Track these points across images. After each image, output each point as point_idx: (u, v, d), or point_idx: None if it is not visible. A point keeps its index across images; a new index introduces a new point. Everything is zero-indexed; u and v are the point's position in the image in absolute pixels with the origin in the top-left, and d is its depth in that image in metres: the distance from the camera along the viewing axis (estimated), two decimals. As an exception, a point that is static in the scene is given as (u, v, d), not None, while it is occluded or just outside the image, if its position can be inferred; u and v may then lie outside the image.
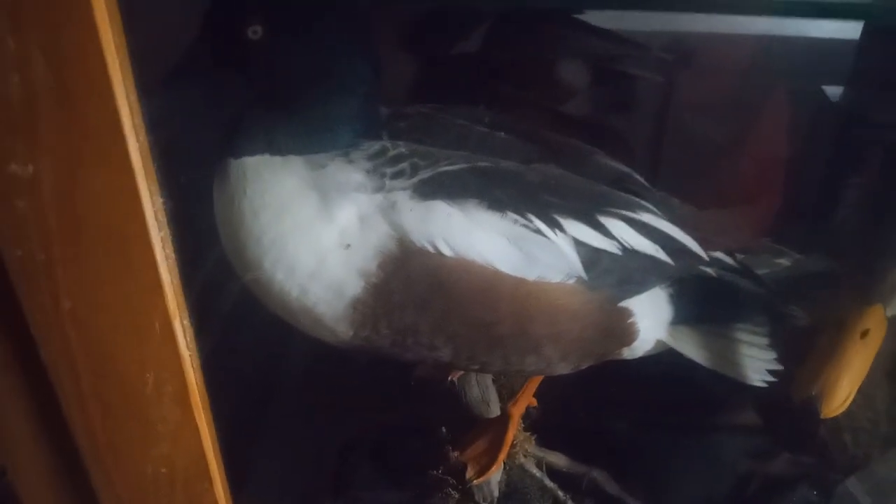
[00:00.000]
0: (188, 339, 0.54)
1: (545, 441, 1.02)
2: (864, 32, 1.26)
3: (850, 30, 1.27)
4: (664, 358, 0.84)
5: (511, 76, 1.20)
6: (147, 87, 0.52)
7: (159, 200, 0.48)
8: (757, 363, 0.82)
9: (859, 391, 0.74)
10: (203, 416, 0.57)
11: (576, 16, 1.17)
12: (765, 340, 0.83)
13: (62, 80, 0.42)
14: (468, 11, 1.20)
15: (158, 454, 0.58)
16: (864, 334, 0.73)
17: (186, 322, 0.53)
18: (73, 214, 0.47)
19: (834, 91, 1.31)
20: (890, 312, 0.74)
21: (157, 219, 0.48)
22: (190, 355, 0.54)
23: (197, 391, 0.56)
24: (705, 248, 0.78)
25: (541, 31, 1.20)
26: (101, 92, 0.43)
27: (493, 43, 1.19)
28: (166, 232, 0.49)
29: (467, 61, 1.20)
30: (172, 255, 0.51)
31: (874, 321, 0.73)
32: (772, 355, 0.82)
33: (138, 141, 0.45)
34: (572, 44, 1.20)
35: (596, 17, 1.17)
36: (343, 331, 0.70)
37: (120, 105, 0.43)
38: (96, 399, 0.55)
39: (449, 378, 1.00)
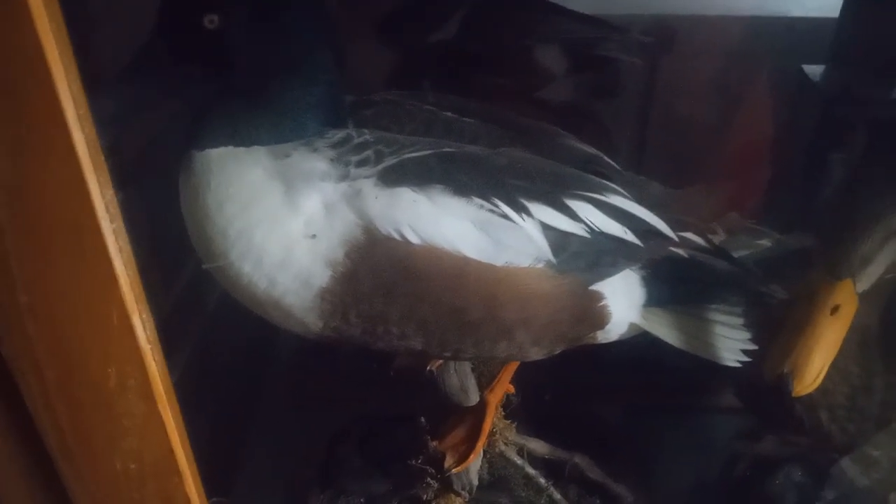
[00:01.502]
0: (148, 332, 0.53)
1: (526, 428, 1.02)
2: (844, 10, 1.26)
3: (829, 7, 1.27)
4: (642, 340, 0.84)
5: (488, 63, 1.20)
6: (102, 82, 0.52)
7: (110, 192, 0.48)
8: (731, 343, 0.82)
9: (833, 367, 0.74)
10: (168, 409, 0.57)
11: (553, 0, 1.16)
12: (739, 320, 0.83)
13: (2, 72, 0.42)
14: (443, -1, 1.20)
15: (126, 449, 0.58)
16: (835, 310, 0.73)
17: (146, 315, 0.53)
18: (23, 207, 0.46)
19: (814, 70, 1.31)
20: (860, 288, 0.74)
21: (108, 211, 0.48)
22: (151, 348, 0.54)
23: (161, 384, 0.56)
24: (675, 229, 0.78)
25: (517, 16, 1.20)
26: (41, 83, 0.42)
27: (469, 29, 1.18)
28: (119, 224, 0.49)
29: (443, 48, 1.20)
30: (127, 247, 0.50)
31: (844, 297, 0.73)
32: (746, 335, 0.82)
33: (84, 133, 0.45)
34: (549, 28, 1.20)
35: (576, 2, 1.17)
36: (313, 321, 0.70)
37: (62, 97, 0.43)
38: (61, 395, 0.55)
39: (428, 368, 1.00)
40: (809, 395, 0.75)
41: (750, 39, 1.29)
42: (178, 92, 0.71)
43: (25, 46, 0.41)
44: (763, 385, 0.76)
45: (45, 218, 0.47)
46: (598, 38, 1.21)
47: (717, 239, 0.88)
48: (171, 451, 0.58)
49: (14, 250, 0.48)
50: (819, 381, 0.72)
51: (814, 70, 1.31)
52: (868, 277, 0.75)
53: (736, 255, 0.88)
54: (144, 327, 0.53)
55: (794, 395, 0.72)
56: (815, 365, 0.72)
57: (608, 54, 1.22)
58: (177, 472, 0.60)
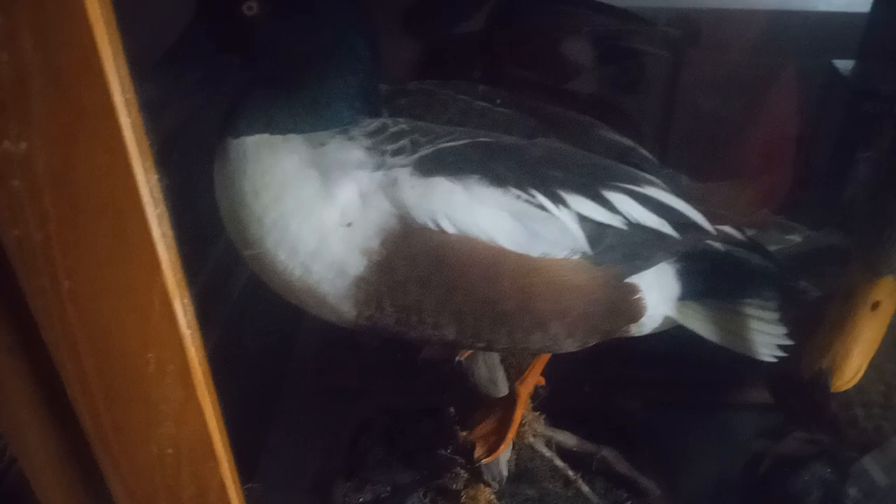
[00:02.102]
0: (189, 317, 0.53)
1: (555, 420, 1.01)
2: (874, 4, 1.24)
3: (859, 2, 1.25)
4: (673, 334, 0.84)
5: (515, 54, 1.19)
6: (142, 66, 0.51)
7: (154, 177, 0.48)
8: (766, 338, 0.81)
9: (870, 364, 0.73)
10: (206, 395, 0.57)
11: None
12: (774, 315, 0.82)
13: (51, 58, 0.42)
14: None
15: (163, 434, 0.58)
16: (875, 306, 0.72)
17: (187, 300, 0.53)
18: (68, 193, 0.46)
19: (844, 65, 1.29)
20: (901, 284, 0.73)
21: (152, 196, 0.48)
22: (191, 334, 0.54)
23: (200, 370, 0.56)
24: (713, 222, 0.77)
25: (545, 8, 1.19)
26: (90, 69, 0.42)
27: (497, 21, 1.18)
28: (163, 209, 0.49)
29: (472, 40, 1.19)
30: (170, 233, 0.50)
31: (885, 293, 0.72)
32: (781, 330, 0.81)
33: (130, 118, 0.45)
34: (577, 21, 1.19)
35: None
36: (347, 310, 0.70)
37: (111, 81, 0.43)
38: (99, 380, 0.55)
39: (456, 358, 1.00)
40: (845, 393, 0.74)
41: (777, 33, 1.28)
42: (216, 79, 0.71)
43: (76, 33, 0.41)
44: (797, 381, 0.76)
45: (89, 204, 0.47)
46: (625, 31, 1.20)
47: (749, 233, 0.87)
48: (209, 437, 0.59)
49: (57, 237, 0.48)
50: (858, 377, 0.71)
51: (844, 65, 1.29)
52: (909, 274, 0.73)
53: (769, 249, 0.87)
54: (185, 313, 0.53)
55: (832, 391, 0.71)
56: (854, 362, 0.71)
57: (635, 46, 1.21)
58: (213, 457, 0.60)
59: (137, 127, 0.46)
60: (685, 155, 1.34)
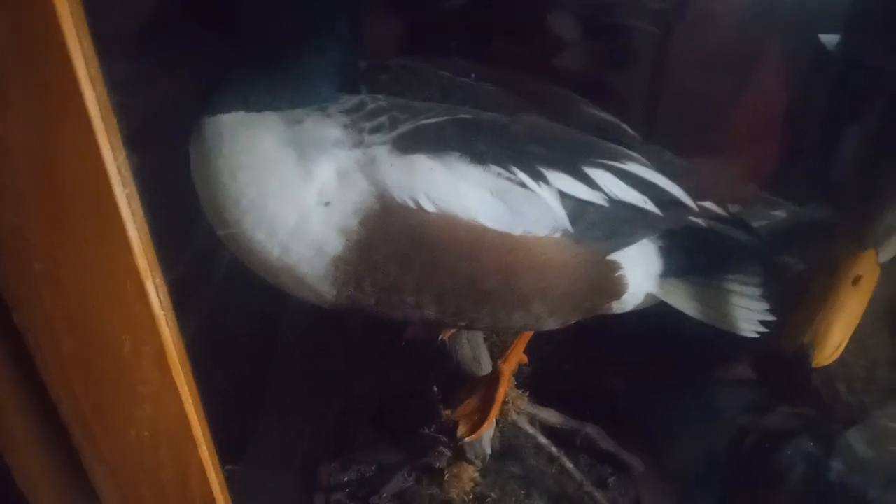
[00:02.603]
0: (162, 298, 0.53)
1: (538, 398, 1.01)
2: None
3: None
4: (656, 311, 0.84)
5: (500, 30, 1.18)
6: (117, 47, 0.50)
7: (122, 155, 0.47)
8: (749, 314, 0.81)
9: (852, 339, 0.73)
10: (182, 376, 0.57)
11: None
12: (757, 291, 0.82)
13: (19, 38, 0.41)
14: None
15: (141, 416, 0.58)
16: (857, 280, 0.72)
17: (160, 281, 0.52)
18: (42, 174, 0.46)
19: (830, 39, 1.28)
20: (882, 258, 0.73)
21: (120, 174, 0.47)
22: (165, 315, 0.53)
23: (175, 352, 0.55)
24: (695, 199, 0.77)
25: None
26: (55, 48, 0.41)
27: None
28: (132, 188, 0.48)
29: (457, 16, 1.18)
30: (140, 213, 0.49)
31: (866, 267, 0.72)
32: (764, 306, 0.81)
33: (95, 93, 0.44)
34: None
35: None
36: (326, 290, 0.69)
37: (75, 60, 0.42)
38: (76, 363, 0.54)
39: (439, 338, 1.00)
40: (827, 367, 0.75)
41: (764, 8, 1.27)
42: (191, 56, 0.70)
43: (40, 14, 0.40)
44: (779, 356, 0.76)
45: (62, 184, 0.46)
46: (612, 5, 1.19)
47: (733, 209, 0.87)
48: (186, 418, 0.58)
49: (34, 219, 0.47)
50: (839, 352, 0.72)
51: (830, 39, 1.29)
52: (891, 248, 0.73)
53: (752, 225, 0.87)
54: (158, 293, 0.52)
55: (814, 366, 0.71)
56: (835, 336, 0.71)
57: (621, 21, 1.20)
58: (191, 438, 0.60)
59: (103, 104, 0.45)
60: (671, 130, 1.34)
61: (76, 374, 0.55)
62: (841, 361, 0.75)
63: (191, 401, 0.58)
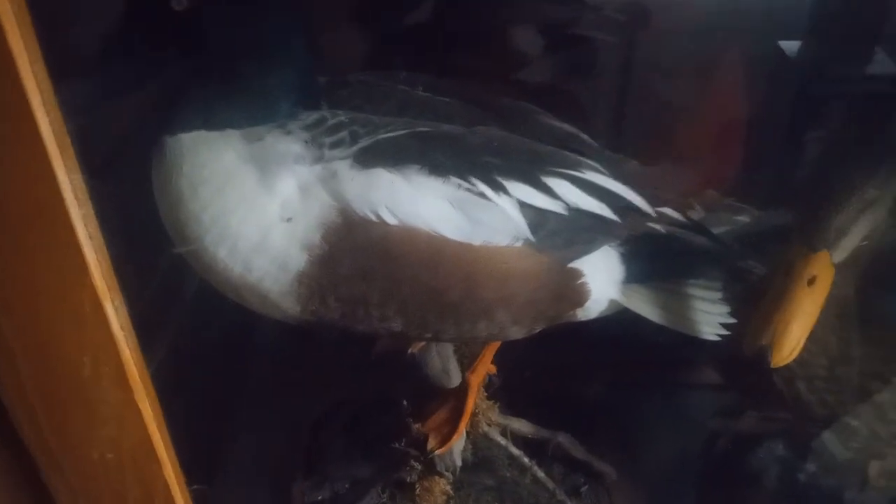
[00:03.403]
0: (121, 319, 0.53)
1: (509, 408, 1.02)
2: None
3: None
4: (623, 317, 0.84)
5: (464, 44, 1.19)
6: (72, 68, 0.50)
7: (77, 177, 0.47)
8: (710, 317, 0.82)
9: (810, 338, 0.74)
10: (145, 396, 0.56)
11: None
12: (718, 295, 0.84)
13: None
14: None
15: (104, 437, 0.57)
16: (812, 281, 0.73)
17: (119, 302, 0.52)
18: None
19: (790, 46, 1.31)
20: (836, 258, 0.75)
21: (76, 196, 0.47)
22: (125, 335, 0.53)
23: (136, 372, 0.55)
24: (654, 205, 0.78)
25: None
26: (5, 71, 0.41)
27: (445, 11, 1.17)
28: (88, 209, 0.48)
29: (419, 30, 1.19)
30: (98, 234, 0.49)
31: (821, 268, 0.73)
32: (724, 309, 0.83)
33: (49, 118, 0.44)
34: (524, 9, 1.19)
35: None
36: (290, 306, 0.70)
37: (26, 83, 0.42)
38: (36, 385, 0.54)
39: (409, 350, 1.00)
40: (788, 367, 0.76)
41: (724, 16, 1.29)
42: (149, 76, 0.70)
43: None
44: (742, 359, 0.77)
45: (14, 206, 0.46)
46: (572, 17, 1.20)
47: (696, 216, 0.88)
48: (149, 439, 0.58)
49: (-14, 242, 0.47)
50: (797, 351, 0.73)
51: (790, 46, 1.31)
52: (844, 248, 0.75)
53: (715, 231, 0.88)
54: (117, 314, 0.52)
55: (772, 366, 0.72)
56: (792, 336, 0.72)
57: (583, 33, 1.22)
58: (155, 459, 0.59)
59: (57, 127, 0.45)
60: (635, 138, 1.35)
61: (36, 397, 0.54)
62: (801, 361, 0.76)
63: (154, 421, 0.57)
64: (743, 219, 0.94)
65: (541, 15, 1.19)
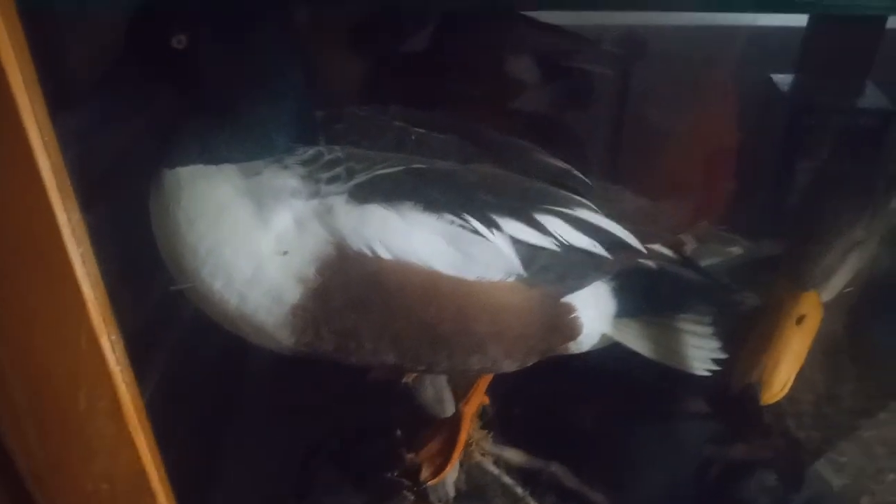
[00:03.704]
0: (118, 354, 0.53)
1: (502, 438, 1.02)
2: (811, 20, 1.28)
3: (796, 18, 1.29)
4: (616, 350, 0.85)
5: (459, 74, 1.20)
6: (69, 103, 0.51)
7: (76, 216, 0.48)
8: (701, 352, 0.83)
9: (799, 375, 0.75)
10: (140, 430, 0.57)
11: (523, 13, 1.17)
12: (709, 329, 0.84)
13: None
14: (415, 10, 1.20)
15: (98, 470, 0.58)
16: (801, 320, 0.74)
17: (115, 337, 0.53)
18: (-10, 237, 0.46)
19: (783, 79, 1.33)
20: (825, 298, 0.76)
21: (75, 235, 0.48)
22: (121, 370, 0.54)
23: (132, 406, 0.56)
24: (643, 241, 0.79)
25: (488, 28, 1.20)
26: (4, 110, 0.42)
27: (440, 41, 1.19)
28: (87, 247, 0.49)
29: (415, 60, 1.20)
30: (95, 271, 0.50)
31: (809, 307, 0.74)
32: (716, 344, 0.84)
33: (50, 160, 0.45)
34: (520, 41, 1.20)
35: (546, 14, 1.18)
36: (285, 338, 0.70)
37: (26, 122, 0.43)
38: (31, 418, 0.55)
39: (403, 381, 1.00)
40: (777, 403, 0.77)
41: (718, 49, 1.31)
42: (146, 111, 0.71)
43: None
44: (731, 393, 0.78)
45: (10, 243, 0.47)
46: (568, 50, 1.22)
47: (689, 247, 0.89)
48: (144, 472, 0.58)
49: (-17, 275, 0.48)
50: (786, 390, 0.74)
51: (783, 79, 1.33)
52: (832, 288, 0.76)
53: (707, 262, 0.89)
54: (114, 349, 0.53)
55: (762, 403, 0.73)
56: (782, 375, 0.73)
57: (579, 66, 1.23)
58: (149, 492, 0.60)
59: (57, 168, 0.46)
60: (630, 170, 1.37)
61: (30, 429, 0.55)
62: (789, 397, 0.77)
63: (148, 454, 0.58)
64: (735, 249, 0.95)
65: (537, 46, 1.20)
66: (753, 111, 1.35)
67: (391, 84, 1.19)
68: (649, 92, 1.32)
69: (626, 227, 0.77)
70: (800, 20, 1.30)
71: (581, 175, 0.82)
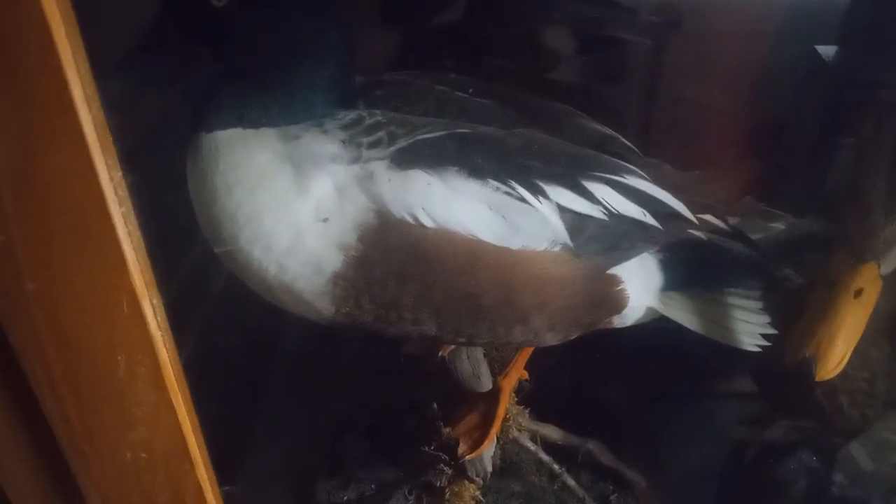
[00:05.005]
0: (159, 318, 0.52)
1: (539, 414, 1.01)
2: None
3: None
4: (657, 325, 0.83)
5: (494, 44, 1.18)
6: (110, 64, 0.50)
7: (118, 175, 0.46)
8: (750, 327, 0.80)
9: (854, 351, 0.73)
10: (180, 397, 0.56)
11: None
12: (757, 304, 0.82)
13: (8, 53, 0.40)
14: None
15: (136, 438, 0.57)
16: (858, 293, 0.72)
17: (157, 301, 0.52)
18: (29, 192, 0.45)
19: (827, 51, 1.29)
20: (884, 270, 0.73)
21: (116, 194, 0.46)
22: (162, 335, 0.53)
23: (172, 372, 0.54)
24: (694, 212, 0.76)
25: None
26: (48, 66, 0.41)
27: (476, 11, 1.16)
28: (128, 207, 0.48)
29: (451, 30, 1.18)
30: (137, 232, 0.49)
31: (868, 280, 0.72)
32: (765, 319, 0.81)
33: (91, 114, 0.43)
34: (557, 9, 1.18)
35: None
36: (325, 307, 0.69)
37: (70, 79, 0.42)
38: (68, 384, 0.53)
39: (439, 354, 0.99)
40: (829, 380, 0.74)
41: (759, 19, 1.27)
42: (186, 72, 0.70)
43: (33, 28, 0.40)
44: (781, 370, 0.75)
45: (52, 203, 0.46)
46: (605, 19, 1.19)
47: (732, 222, 0.87)
48: (183, 440, 0.57)
49: (20, 237, 0.46)
50: (842, 365, 0.71)
51: (827, 51, 1.29)
52: (891, 261, 0.73)
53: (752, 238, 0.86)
54: (155, 314, 0.52)
55: (816, 380, 0.71)
56: (838, 350, 0.71)
57: (616, 35, 1.21)
58: (188, 460, 0.59)
59: (99, 124, 0.44)
60: (668, 143, 1.34)
61: (69, 396, 0.54)
62: (843, 374, 0.74)
63: (188, 422, 0.57)
64: (778, 225, 0.92)
65: (574, 15, 1.18)
66: (797, 84, 1.32)
67: (427, 56, 1.17)
68: (687, 63, 1.29)
69: (676, 196, 0.74)
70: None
71: (627, 142, 0.80)
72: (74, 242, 0.47)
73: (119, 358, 0.53)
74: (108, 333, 0.51)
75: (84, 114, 0.43)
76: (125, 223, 0.47)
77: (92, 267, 0.48)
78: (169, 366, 0.54)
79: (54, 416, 0.55)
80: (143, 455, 0.58)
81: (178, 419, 0.56)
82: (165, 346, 0.53)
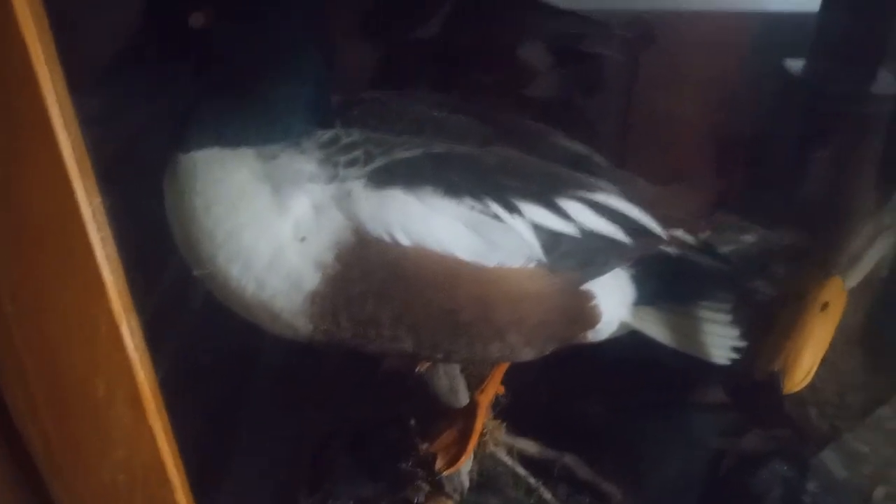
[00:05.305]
0: (137, 340, 0.52)
1: (516, 428, 1.01)
2: (823, 5, 1.26)
3: (809, 3, 1.27)
4: (630, 339, 0.84)
5: (471, 59, 1.19)
6: (85, 83, 0.50)
7: (97, 199, 0.46)
8: (721, 340, 0.82)
9: (821, 364, 0.74)
10: (158, 419, 0.56)
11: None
12: (728, 317, 0.83)
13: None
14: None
15: (115, 460, 0.57)
16: (824, 307, 0.73)
17: (135, 324, 0.52)
18: (10, 214, 0.45)
19: (795, 64, 1.31)
20: (848, 285, 0.75)
21: (95, 219, 0.46)
22: (140, 357, 0.53)
23: (150, 394, 0.54)
24: (665, 227, 0.78)
25: (499, 13, 1.19)
26: (26, 87, 0.41)
27: (452, 27, 1.17)
28: (107, 232, 0.48)
29: (427, 46, 1.19)
30: (115, 256, 0.49)
31: (833, 294, 0.73)
32: (735, 332, 0.83)
33: (70, 139, 0.44)
34: (531, 25, 1.19)
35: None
36: (302, 325, 0.69)
37: (48, 101, 0.42)
38: (48, 406, 0.54)
39: (416, 369, 0.99)
40: (798, 392, 0.76)
41: (730, 34, 1.30)
42: (163, 91, 0.70)
43: (10, 50, 0.40)
44: (751, 382, 0.77)
45: (31, 226, 0.46)
46: (579, 35, 1.21)
47: (703, 235, 0.88)
48: (161, 461, 0.57)
49: (2, 260, 0.46)
50: (809, 378, 0.73)
51: (795, 65, 1.32)
52: (856, 274, 0.75)
53: (721, 250, 0.88)
54: (133, 336, 0.52)
55: (784, 392, 0.72)
56: (805, 362, 0.72)
57: (590, 50, 1.22)
58: (167, 481, 0.59)
59: (79, 148, 0.45)
60: (642, 156, 1.36)
61: (48, 418, 0.54)
62: (812, 387, 0.76)
63: (166, 444, 0.57)
64: (749, 238, 0.94)
65: (548, 31, 1.19)
66: (767, 97, 1.34)
67: (403, 71, 1.18)
68: (660, 77, 1.31)
69: (647, 213, 0.76)
70: (813, 5, 1.28)
71: (601, 159, 0.81)
72: (53, 266, 0.47)
73: (98, 380, 0.53)
74: (87, 356, 0.51)
75: (63, 138, 0.43)
76: (104, 247, 0.47)
77: (71, 290, 0.48)
78: (147, 388, 0.54)
79: (34, 437, 0.54)
80: (122, 476, 0.57)
81: (155, 442, 0.56)
82: (143, 368, 0.53)
